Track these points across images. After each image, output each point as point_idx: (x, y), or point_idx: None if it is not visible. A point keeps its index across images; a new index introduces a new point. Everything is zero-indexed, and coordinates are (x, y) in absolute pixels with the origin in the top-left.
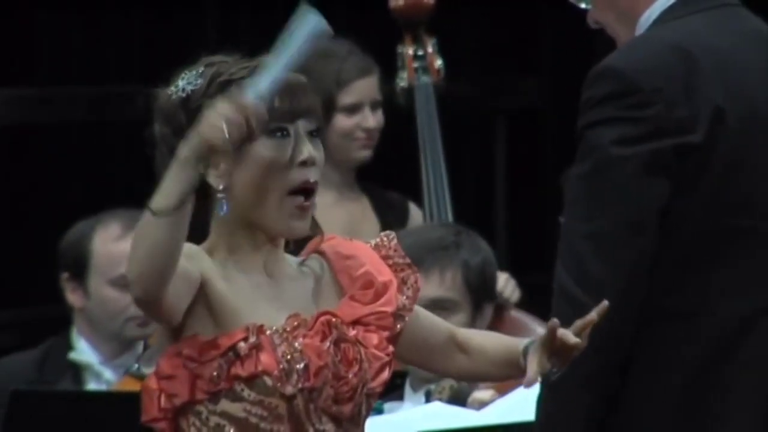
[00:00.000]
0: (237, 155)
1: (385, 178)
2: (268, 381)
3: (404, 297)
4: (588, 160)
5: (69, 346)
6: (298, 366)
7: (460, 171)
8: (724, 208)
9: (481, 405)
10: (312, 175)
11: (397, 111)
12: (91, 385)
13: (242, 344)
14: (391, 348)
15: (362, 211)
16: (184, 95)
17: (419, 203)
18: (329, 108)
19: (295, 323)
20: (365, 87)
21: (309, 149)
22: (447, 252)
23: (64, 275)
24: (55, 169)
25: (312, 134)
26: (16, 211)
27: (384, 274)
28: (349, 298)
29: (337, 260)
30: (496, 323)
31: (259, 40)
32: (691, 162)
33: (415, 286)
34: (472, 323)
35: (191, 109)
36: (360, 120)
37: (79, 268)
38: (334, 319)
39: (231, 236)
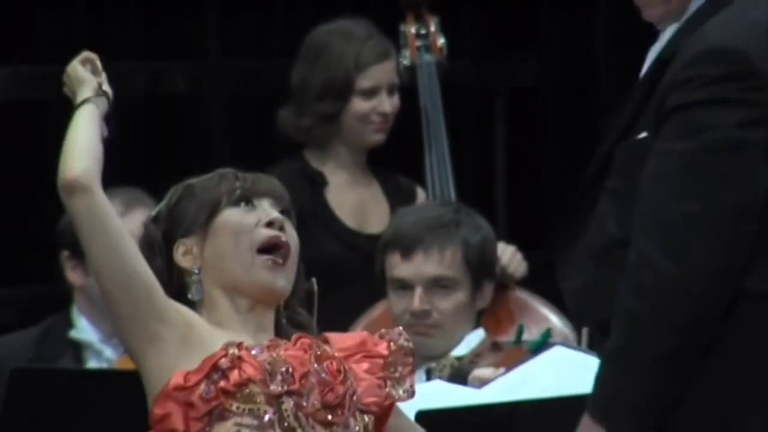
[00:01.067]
0: (205, 233)
1: (388, 157)
2: (254, 388)
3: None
4: (696, 138)
5: (69, 324)
6: (281, 369)
7: (461, 149)
8: None
9: (483, 383)
10: (282, 235)
11: (400, 89)
12: (92, 363)
13: (224, 360)
14: (382, 374)
15: (372, 194)
16: (152, 215)
17: (422, 181)
18: (346, 90)
19: (272, 343)
20: (383, 71)
21: (275, 213)
22: (447, 230)
23: (64, 253)
24: (55, 147)
25: (283, 213)
26: (16, 189)
27: (379, 346)
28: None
29: (337, 339)
30: (499, 302)
31: (260, 17)
32: None
33: (410, 390)
34: (471, 301)
35: (160, 220)
36: (376, 104)
37: (79, 246)
38: (314, 341)
39: (214, 311)
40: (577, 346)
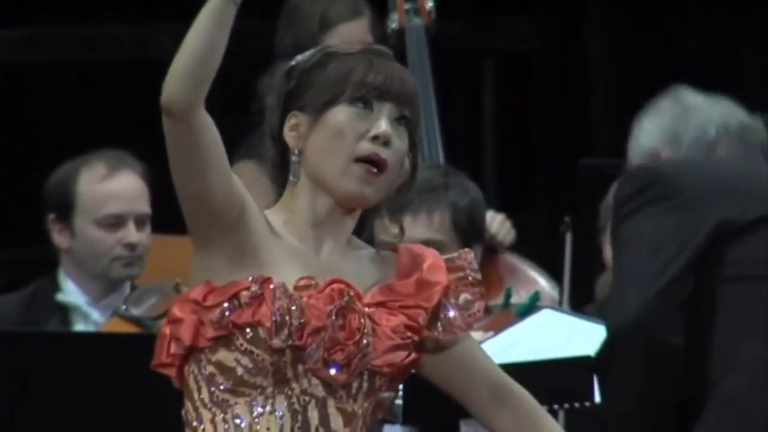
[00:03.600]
0: (315, 119)
1: None
2: (261, 332)
3: (455, 313)
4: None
5: (56, 287)
6: (293, 321)
7: (450, 112)
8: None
9: None
10: (383, 151)
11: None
12: (79, 326)
13: (245, 293)
14: (410, 335)
15: None
16: (291, 64)
17: None
18: None
19: (303, 283)
20: (352, 30)
21: (386, 126)
22: (435, 194)
23: (51, 216)
24: (43, 110)
25: (398, 121)
26: (3, 152)
27: (438, 277)
28: (385, 285)
29: (405, 256)
30: (488, 266)
31: None
32: None
33: (477, 314)
34: None
35: (292, 77)
36: None
37: (65, 209)
38: (346, 289)
39: (294, 198)
40: (566, 309)
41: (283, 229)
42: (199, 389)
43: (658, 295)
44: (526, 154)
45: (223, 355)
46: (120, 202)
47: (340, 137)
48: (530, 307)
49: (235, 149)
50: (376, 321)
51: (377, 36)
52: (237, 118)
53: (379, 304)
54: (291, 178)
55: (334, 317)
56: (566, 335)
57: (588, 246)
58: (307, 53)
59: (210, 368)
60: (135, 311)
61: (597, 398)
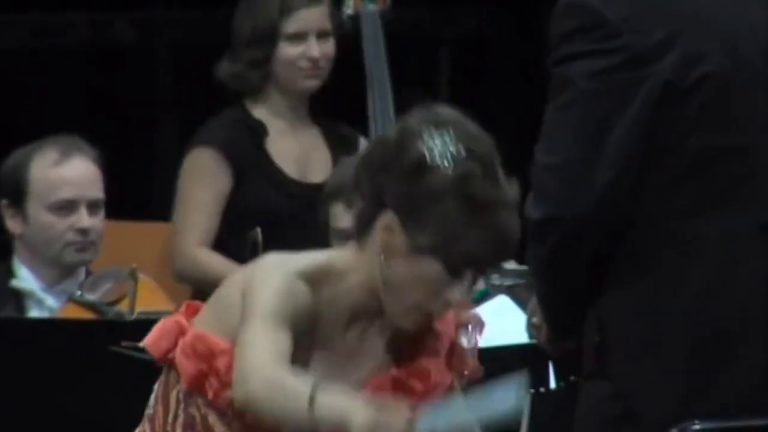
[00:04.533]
0: (410, 247)
1: (331, 106)
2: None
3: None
4: (557, 96)
5: (10, 274)
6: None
7: (405, 98)
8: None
9: None
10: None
11: (344, 39)
12: (34, 313)
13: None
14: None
15: (314, 141)
16: (428, 164)
17: (365, 131)
18: (272, 35)
19: None
20: (311, 15)
21: (460, 296)
22: None
23: (3, 202)
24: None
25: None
26: None
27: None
28: (398, 380)
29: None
30: None
31: None
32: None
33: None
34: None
35: (420, 178)
36: (305, 49)
37: (18, 195)
38: None
39: (352, 272)
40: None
41: (322, 292)
42: (176, 416)
43: (614, 182)
44: None
45: (213, 418)
46: (72, 187)
47: (421, 287)
48: (486, 293)
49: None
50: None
51: (336, 22)
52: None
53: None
54: (363, 252)
55: None
56: (522, 321)
57: None
58: (450, 164)
59: (195, 413)
60: (90, 297)
61: (553, 384)
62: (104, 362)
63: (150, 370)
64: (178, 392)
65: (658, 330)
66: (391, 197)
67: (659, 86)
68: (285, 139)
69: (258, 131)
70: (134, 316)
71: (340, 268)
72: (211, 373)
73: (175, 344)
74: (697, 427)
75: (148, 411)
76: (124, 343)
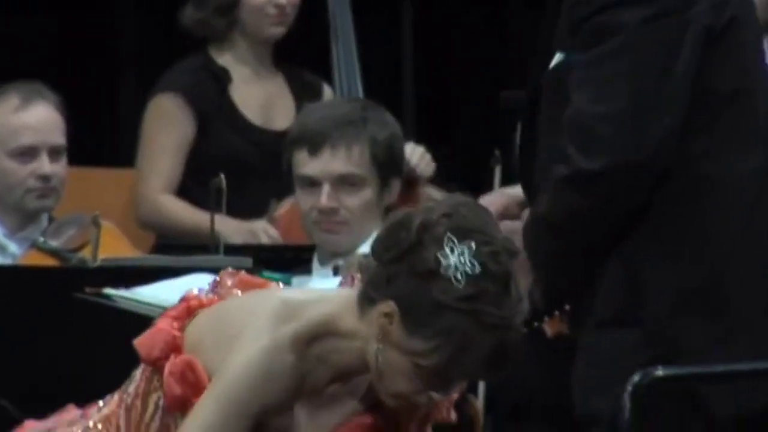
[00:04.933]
0: (403, 345)
1: (294, 53)
2: None
3: None
4: (602, 44)
5: None
6: None
7: (369, 45)
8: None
9: None
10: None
11: None
12: None
13: None
14: None
15: (278, 88)
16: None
17: (329, 78)
18: None
19: None
20: None
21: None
22: (354, 127)
23: None
24: None
25: None
26: None
27: None
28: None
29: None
30: (408, 198)
31: None
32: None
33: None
34: (379, 198)
35: (431, 287)
36: None
37: None
38: None
39: (349, 338)
40: None
41: (314, 349)
42: (152, 419)
43: (672, 128)
44: (444, 87)
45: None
46: (33, 133)
47: (408, 383)
48: None
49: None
50: None
51: None
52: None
53: None
54: (363, 322)
55: None
56: None
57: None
58: (462, 280)
59: (171, 424)
60: (53, 243)
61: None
62: (68, 309)
63: (114, 316)
64: (158, 398)
65: (693, 275)
66: (397, 290)
67: (701, 30)
68: (249, 86)
69: (222, 78)
70: (97, 263)
71: (340, 329)
72: (195, 399)
73: (167, 357)
74: (660, 373)
75: (126, 399)
76: (87, 290)
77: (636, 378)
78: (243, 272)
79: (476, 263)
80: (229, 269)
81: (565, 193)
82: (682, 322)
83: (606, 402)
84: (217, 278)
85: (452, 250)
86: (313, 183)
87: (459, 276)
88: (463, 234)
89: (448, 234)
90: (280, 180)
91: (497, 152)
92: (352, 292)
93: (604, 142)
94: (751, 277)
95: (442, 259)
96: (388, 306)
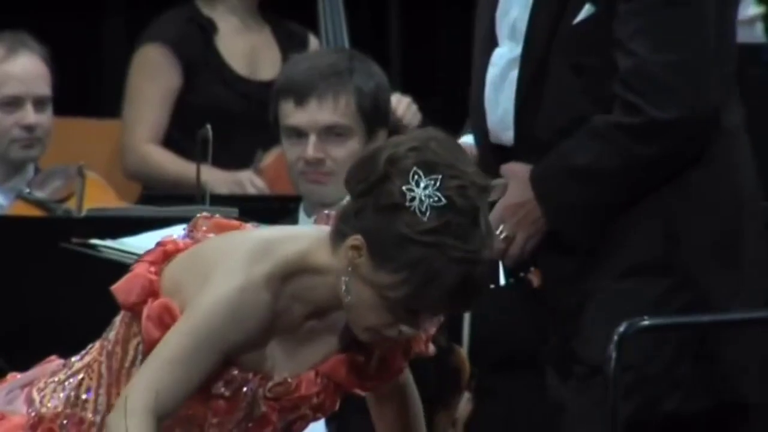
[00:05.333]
0: (375, 278)
1: (281, 6)
2: None
3: None
4: None
5: None
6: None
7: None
8: None
9: None
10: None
11: None
12: None
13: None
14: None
15: (264, 40)
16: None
17: (315, 29)
18: None
19: (280, 390)
20: None
21: (410, 332)
22: (340, 78)
23: None
24: None
25: None
26: None
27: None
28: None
29: None
30: None
31: None
32: None
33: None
34: (365, 149)
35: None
36: None
37: None
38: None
39: (323, 273)
40: None
41: (288, 287)
42: (132, 363)
43: (733, 76)
44: (431, 37)
45: None
46: (17, 83)
47: (377, 316)
48: None
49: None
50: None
51: None
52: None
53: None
54: (336, 255)
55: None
56: None
57: None
58: (427, 213)
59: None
60: (39, 194)
61: (503, 281)
62: (54, 259)
63: (99, 266)
64: (138, 343)
65: (727, 222)
66: (364, 223)
67: None
68: (235, 36)
69: (208, 29)
70: (83, 214)
71: (315, 265)
72: None
73: (144, 301)
74: (647, 322)
75: (107, 345)
76: (74, 240)
77: (621, 328)
78: (218, 216)
79: (442, 196)
80: (204, 213)
81: (622, 141)
82: (713, 271)
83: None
84: (193, 223)
85: (418, 184)
86: (299, 134)
87: (424, 209)
88: (430, 168)
89: (415, 168)
90: (266, 131)
91: None
92: (325, 229)
93: (675, 91)
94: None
95: (407, 192)
96: (356, 239)
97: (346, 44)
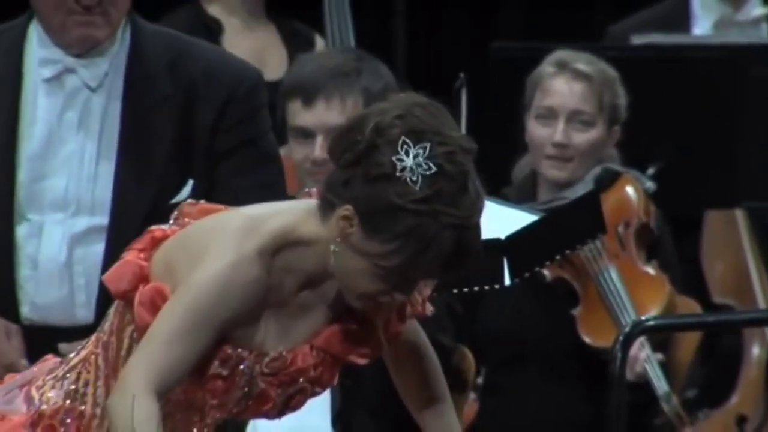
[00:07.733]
0: (366, 247)
1: (287, 6)
2: None
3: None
4: None
5: None
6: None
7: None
8: None
9: None
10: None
11: None
12: None
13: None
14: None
15: (270, 39)
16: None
17: (321, 29)
18: None
19: (276, 365)
20: None
21: (401, 299)
22: (348, 78)
23: None
24: None
25: None
26: None
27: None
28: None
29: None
30: None
31: None
32: None
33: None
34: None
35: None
36: None
37: None
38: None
39: (313, 244)
40: (505, 201)
41: (279, 260)
42: (128, 352)
43: None
44: (437, 38)
45: None
46: None
47: (369, 283)
48: None
49: None
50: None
51: None
52: None
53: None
54: (325, 225)
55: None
56: (503, 227)
57: (501, 124)
58: (418, 181)
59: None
60: None
61: (507, 281)
62: None
63: None
64: (132, 331)
65: None
66: (354, 193)
67: None
68: (241, 36)
69: (213, 29)
70: None
71: (303, 237)
72: None
73: (135, 287)
74: (652, 322)
75: (102, 337)
76: None
77: (626, 328)
78: (203, 201)
79: (432, 164)
80: (190, 200)
81: None
82: None
83: None
84: (179, 210)
85: (407, 153)
86: (306, 134)
87: (415, 178)
88: (417, 136)
89: (403, 137)
90: (273, 130)
91: (462, 75)
92: (311, 202)
93: None
94: None
95: (397, 162)
96: (347, 210)
97: (352, 44)
